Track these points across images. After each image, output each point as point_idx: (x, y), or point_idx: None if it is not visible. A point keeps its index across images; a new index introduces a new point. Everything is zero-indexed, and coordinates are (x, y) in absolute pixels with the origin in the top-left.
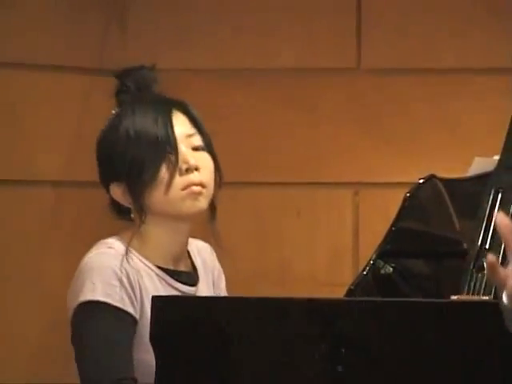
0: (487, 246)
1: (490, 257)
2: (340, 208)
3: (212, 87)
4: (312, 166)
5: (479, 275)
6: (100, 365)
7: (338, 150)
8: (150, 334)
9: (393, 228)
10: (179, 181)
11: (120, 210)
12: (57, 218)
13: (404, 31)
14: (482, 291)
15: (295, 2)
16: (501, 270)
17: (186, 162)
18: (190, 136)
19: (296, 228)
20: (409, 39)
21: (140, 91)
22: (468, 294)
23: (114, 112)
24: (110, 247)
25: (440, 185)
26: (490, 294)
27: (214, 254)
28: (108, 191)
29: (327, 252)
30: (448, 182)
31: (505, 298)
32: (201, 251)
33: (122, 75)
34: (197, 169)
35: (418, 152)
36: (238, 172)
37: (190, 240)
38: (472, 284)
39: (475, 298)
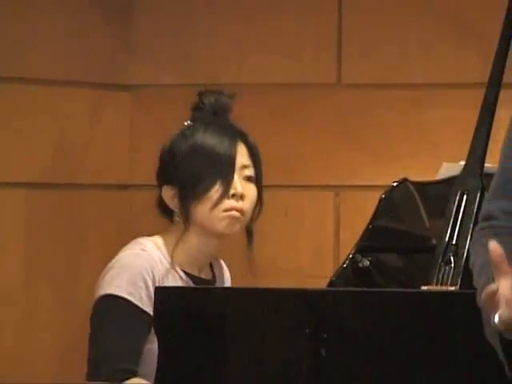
0: (454, 242)
1: (491, 286)
2: (323, 208)
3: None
4: (298, 171)
5: (447, 268)
6: (106, 351)
7: (321, 156)
8: (153, 321)
9: (370, 226)
10: (225, 203)
11: (164, 210)
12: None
13: (380, 49)
14: (449, 282)
15: (282, 22)
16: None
17: (235, 189)
18: (245, 167)
19: (284, 226)
20: (384, 57)
21: (215, 114)
22: (437, 284)
23: (186, 124)
24: (143, 249)
25: (412, 187)
26: (456, 285)
27: (228, 273)
28: (160, 190)
29: (311, 247)
30: (419, 185)
31: (496, 319)
32: (224, 271)
33: (204, 94)
34: (242, 197)
35: (392, 158)
36: None
37: (220, 262)
38: (440, 276)
39: (443, 288)
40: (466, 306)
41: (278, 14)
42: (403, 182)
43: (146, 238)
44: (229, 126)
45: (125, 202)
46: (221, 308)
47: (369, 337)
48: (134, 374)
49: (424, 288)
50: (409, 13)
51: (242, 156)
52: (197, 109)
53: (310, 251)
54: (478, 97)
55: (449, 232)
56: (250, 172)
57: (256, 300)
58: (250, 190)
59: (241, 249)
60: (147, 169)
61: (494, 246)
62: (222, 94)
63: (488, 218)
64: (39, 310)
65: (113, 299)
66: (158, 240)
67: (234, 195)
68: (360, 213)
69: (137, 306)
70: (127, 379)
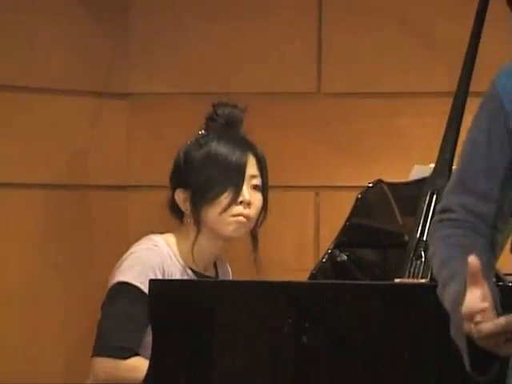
0: (424, 238)
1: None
2: (304, 207)
3: (200, 106)
4: (281, 173)
5: (418, 262)
6: (113, 331)
7: (303, 159)
8: (149, 314)
9: (347, 223)
10: (233, 209)
11: (175, 211)
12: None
13: (357, 61)
14: (420, 275)
15: (267, 35)
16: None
17: (243, 196)
18: (253, 177)
19: (268, 223)
20: (361, 68)
21: (228, 125)
22: (408, 277)
23: (201, 133)
24: (155, 245)
25: (386, 188)
26: (427, 278)
27: (230, 270)
28: (173, 192)
29: (293, 243)
30: (392, 186)
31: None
32: (226, 269)
33: (218, 106)
34: (249, 204)
35: (368, 161)
36: None
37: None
38: (412, 269)
39: (414, 280)
40: (435, 297)
41: (263, 27)
42: (378, 183)
43: (157, 234)
44: (240, 138)
45: (122, 202)
46: (210, 299)
47: (346, 325)
48: (136, 354)
49: (397, 280)
50: (384, 28)
51: (252, 167)
52: (211, 119)
53: (292, 247)
54: (446, 104)
55: (420, 229)
56: (257, 182)
57: (243, 292)
58: (257, 198)
59: (243, 250)
60: (143, 170)
61: (473, 259)
62: (235, 106)
63: (446, 210)
64: (49, 290)
65: (125, 286)
66: (168, 238)
67: (241, 202)
68: (338, 211)
69: (145, 294)
70: (129, 357)
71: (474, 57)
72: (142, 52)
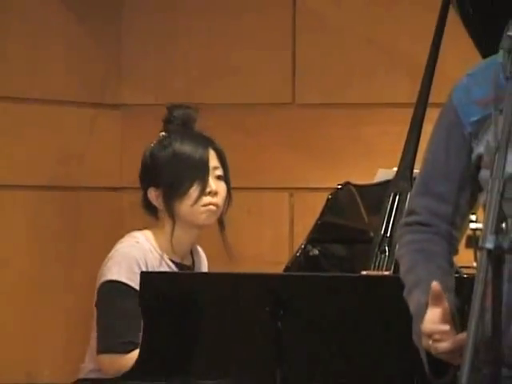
0: (388, 235)
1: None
2: (279, 206)
3: None
4: (259, 176)
5: (382, 256)
6: (112, 328)
7: (278, 164)
8: (139, 302)
9: (318, 221)
10: (203, 199)
11: (150, 208)
12: None
13: (328, 75)
14: (384, 268)
15: (244, 50)
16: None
17: (210, 187)
18: (215, 168)
19: (247, 221)
20: (332, 81)
21: (184, 125)
22: (374, 269)
23: (162, 135)
24: (137, 241)
25: (353, 189)
26: (390, 270)
27: (205, 257)
28: (145, 192)
29: (270, 239)
30: (359, 187)
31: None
32: (202, 255)
33: (173, 108)
34: (216, 193)
35: (337, 165)
36: None
37: (198, 248)
38: (377, 262)
39: (379, 272)
40: (397, 287)
41: (244, 44)
42: (346, 184)
43: (137, 231)
44: (199, 136)
45: (116, 202)
46: (195, 289)
47: (317, 312)
48: (136, 346)
49: (363, 273)
50: (352, 45)
51: (213, 159)
52: (168, 121)
53: (269, 242)
54: (407, 114)
55: (384, 226)
56: (219, 172)
57: (225, 282)
58: (222, 187)
59: (217, 238)
60: (135, 174)
61: (435, 284)
62: (188, 107)
63: (412, 213)
64: (49, 287)
65: (113, 283)
66: (147, 233)
67: (209, 192)
68: (311, 210)
69: (134, 289)
70: (131, 350)
71: (433, 72)
72: (133, 68)
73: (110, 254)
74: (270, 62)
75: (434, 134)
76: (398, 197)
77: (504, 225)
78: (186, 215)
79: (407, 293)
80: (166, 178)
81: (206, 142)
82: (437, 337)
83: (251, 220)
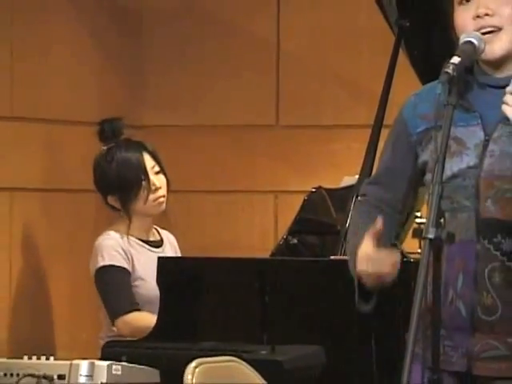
0: None
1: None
2: (267, 206)
3: (191, 136)
4: (250, 182)
5: (346, 244)
6: (115, 298)
7: (266, 172)
8: (157, 280)
9: (297, 217)
10: (151, 196)
11: (113, 208)
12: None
13: (306, 101)
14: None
15: (238, 78)
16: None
17: (154, 185)
18: (152, 167)
19: (241, 218)
20: (309, 106)
21: (113, 135)
22: (340, 255)
23: (103, 149)
24: (108, 235)
25: (324, 192)
26: None
27: (175, 240)
28: (105, 199)
29: (259, 231)
30: (329, 190)
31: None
32: (169, 236)
33: (103, 122)
34: (159, 187)
35: (312, 173)
36: (218, 185)
37: (164, 231)
38: (342, 250)
39: (344, 257)
40: None
41: (232, 71)
42: (319, 188)
43: (107, 229)
44: (132, 143)
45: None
46: (200, 270)
47: (296, 288)
48: (138, 309)
49: (332, 257)
50: (324, 78)
51: (148, 160)
52: (101, 133)
53: (258, 234)
54: (367, 134)
55: (348, 221)
56: (156, 168)
57: (223, 265)
58: (162, 180)
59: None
60: None
61: (379, 220)
62: (114, 120)
63: (363, 195)
64: (55, 272)
65: (104, 267)
66: (115, 228)
67: (156, 189)
68: (291, 209)
69: (118, 266)
70: (135, 310)
71: (386, 100)
72: (154, 93)
73: (94, 250)
74: (256, 88)
75: (388, 141)
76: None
77: (442, 220)
78: (141, 211)
79: (347, 243)
80: (117, 186)
81: (139, 146)
82: (372, 259)
83: (244, 216)
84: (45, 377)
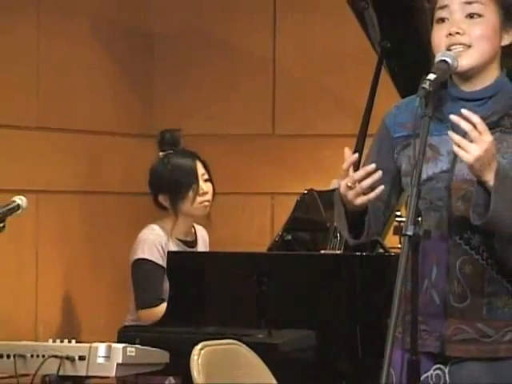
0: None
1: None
2: (264, 206)
3: (199, 144)
4: (250, 185)
5: (335, 240)
6: (145, 291)
7: (264, 176)
8: (166, 272)
9: (291, 216)
10: (198, 199)
11: (161, 207)
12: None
13: (300, 113)
14: (336, 248)
15: (231, 89)
16: None
17: (202, 189)
18: (203, 174)
19: (241, 217)
20: (302, 118)
21: (172, 145)
22: (329, 249)
23: (161, 154)
24: (152, 229)
25: (315, 194)
26: (340, 249)
27: (207, 235)
28: (156, 198)
29: (257, 229)
30: (319, 192)
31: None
32: (202, 232)
33: (164, 132)
34: (206, 192)
35: (305, 177)
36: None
37: (199, 227)
38: (331, 245)
39: (333, 251)
40: (346, 262)
41: (233, 86)
42: (310, 190)
43: (153, 223)
44: (187, 152)
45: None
46: (206, 263)
47: (290, 279)
48: (163, 301)
49: (322, 252)
50: (316, 92)
51: (200, 168)
52: (161, 142)
53: (257, 231)
54: (353, 142)
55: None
56: (206, 176)
57: (226, 258)
58: (210, 187)
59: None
60: None
61: (346, 150)
62: (175, 130)
63: None
64: (76, 266)
65: (141, 260)
66: (161, 223)
67: (202, 193)
68: (286, 208)
69: (154, 262)
70: (160, 304)
71: (370, 112)
72: (163, 105)
73: (136, 240)
74: (257, 105)
75: (372, 146)
76: None
77: (419, 219)
78: (187, 212)
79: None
80: (169, 186)
81: (193, 156)
82: (352, 175)
83: (244, 215)
84: (67, 357)
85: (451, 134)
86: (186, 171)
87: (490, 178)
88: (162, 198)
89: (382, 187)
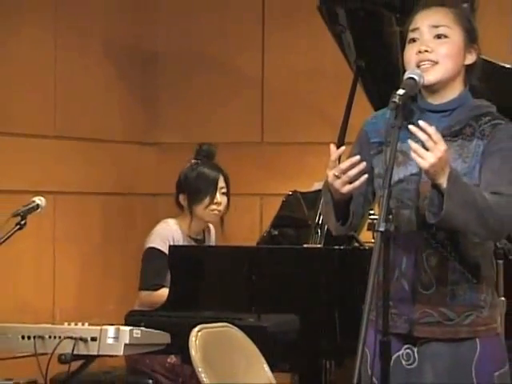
0: (320, 223)
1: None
2: (254, 205)
3: (193, 150)
4: (242, 186)
5: (316, 235)
6: (148, 275)
7: (254, 179)
8: (168, 263)
9: (278, 214)
10: (211, 207)
11: (179, 206)
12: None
13: (286, 124)
14: (317, 242)
15: (225, 103)
16: None
17: (217, 199)
18: (222, 187)
19: (234, 215)
20: (289, 128)
21: (207, 156)
22: (311, 243)
23: (193, 161)
24: (167, 224)
25: (299, 195)
26: (321, 243)
27: (214, 232)
28: (178, 196)
29: (247, 226)
30: (302, 193)
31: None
32: (211, 228)
33: (202, 144)
34: (220, 203)
35: (290, 180)
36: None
37: (211, 226)
38: (313, 240)
39: (315, 245)
40: (326, 255)
41: (227, 100)
42: (294, 192)
43: (168, 218)
44: (215, 165)
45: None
46: (203, 255)
47: (276, 269)
48: (162, 287)
49: (305, 245)
50: (300, 107)
51: (221, 182)
52: (198, 153)
53: (248, 227)
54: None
55: (317, 218)
56: (224, 190)
57: (221, 251)
58: (224, 200)
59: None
60: (169, 186)
61: (332, 146)
62: (211, 144)
63: None
64: (89, 258)
65: (151, 249)
66: (175, 220)
67: (216, 203)
68: (273, 208)
69: (164, 252)
70: (159, 289)
71: (347, 123)
72: (166, 117)
73: (151, 232)
74: (248, 117)
75: (353, 149)
76: None
77: (390, 216)
78: (199, 214)
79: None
80: (190, 189)
81: (219, 170)
82: (339, 165)
83: (236, 214)
84: (81, 339)
85: (410, 142)
86: (208, 180)
87: (443, 182)
88: (181, 198)
89: (365, 176)
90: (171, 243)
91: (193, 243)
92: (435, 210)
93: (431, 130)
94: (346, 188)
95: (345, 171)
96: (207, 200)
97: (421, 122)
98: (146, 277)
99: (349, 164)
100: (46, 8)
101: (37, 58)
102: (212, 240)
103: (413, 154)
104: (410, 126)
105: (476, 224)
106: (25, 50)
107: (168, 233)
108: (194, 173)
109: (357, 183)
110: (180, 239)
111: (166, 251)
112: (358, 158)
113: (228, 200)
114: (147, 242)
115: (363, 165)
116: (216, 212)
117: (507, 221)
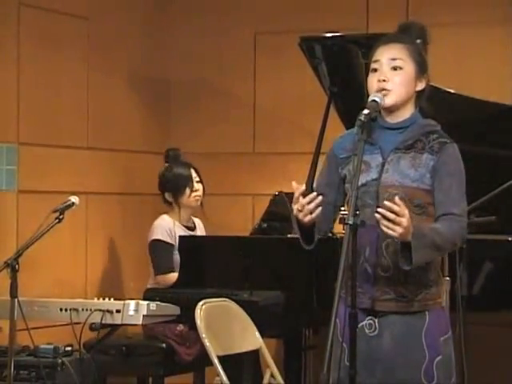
0: None
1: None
2: (246, 204)
3: (196, 158)
4: (235, 188)
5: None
6: (160, 262)
7: (246, 182)
8: (178, 250)
9: (266, 210)
10: (193, 194)
11: (166, 202)
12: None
13: (276, 137)
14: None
15: (223, 120)
16: None
17: (194, 187)
18: (195, 177)
19: (229, 212)
20: (277, 141)
21: (175, 158)
22: (294, 234)
23: (166, 165)
24: (163, 218)
25: (283, 195)
26: None
27: (202, 224)
28: (164, 195)
29: (242, 221)
30: (286, 193)
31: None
32: (199, 222)
33: (169, 150)
34: (197, 190)
35: (276, 183)
36: (216, 190)
37: (196, 219)
38: (294, 231)
39: (297, 236)
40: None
41: (225, 117)
42: (280, 193)
43: (163, 214)
44: (183, 162)
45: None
46: (205, 243)
47: (266, 256)
48: (173, 270)
49: (289, 235)
50: (281, 122)
51: (193, 173)
52: (167, 156)
53: (241, 221)
54: (310, 158)
55: None
56: (197, 178)
57: (220, 241)
58: (200, 186)
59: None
60: None
61: (294, 183)
62: (175, 149)
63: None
64: (115, 247)
65: (156, 241)
66: (168, 214)
67: (195, 190)
68: (263, 205)
69: (165, 241)
70: (170, 272)
71: (322, 137)
72: (176, 130)
73: (152, 227)
74: (241, 130)
75: (323, 165)
76: None
77: (357, 212)
78: (185, 203)
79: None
80: (172, 186)
81: (189, 165)
82: (301, 200)
83: (233, 210)
84: (107, 311)
85: (378, 217)
86: (183, 176)
87: (409, 238)
88: (167, 196)
89: (319, 209)
90: (169, 232)
91: (186, 230)
92: (404, 260)
93: (396, 208)
94: (308, 218)
95: (304, 206)
96: (188, 190)
97: (386, 203)
98: (158, 264)
99: (308, 200)
100: (81, 38)
101: (70, 84)
102: (201, 228)
103: (383, 228)
104: (379, 210)
105: (438, 255)
106: (65, 76)
107: (165, 225)
108: (171, 173)
109: (313, 215)
110: (175, 228)
111: (167, 239)
112: (314, 194)
113: (203, 185)
114: (151, 235)
115: (319, 199)
116: (197, 197)
117: (458, 238)
